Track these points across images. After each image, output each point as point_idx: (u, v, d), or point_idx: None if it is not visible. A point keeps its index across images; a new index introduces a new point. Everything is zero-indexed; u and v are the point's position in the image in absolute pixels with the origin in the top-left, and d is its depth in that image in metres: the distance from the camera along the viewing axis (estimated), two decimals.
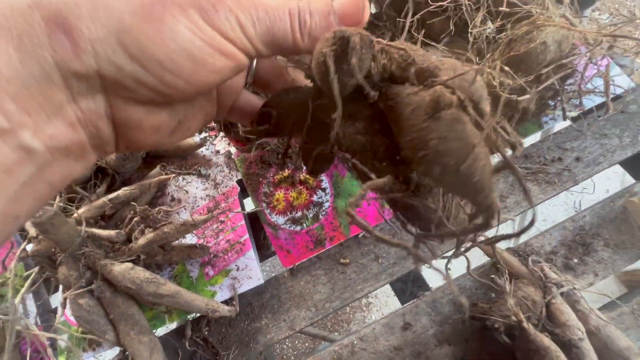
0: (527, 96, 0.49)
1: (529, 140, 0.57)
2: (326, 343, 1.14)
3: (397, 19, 0.63)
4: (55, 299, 0.57)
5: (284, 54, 0.21)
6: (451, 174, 0.17)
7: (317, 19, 0.19)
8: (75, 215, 0.48)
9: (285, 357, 1.52)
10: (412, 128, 0.18)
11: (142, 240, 0.48)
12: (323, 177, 0.55)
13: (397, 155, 0.21)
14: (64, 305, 0.46)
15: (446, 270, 0.23)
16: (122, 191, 0.53)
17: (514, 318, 0.39)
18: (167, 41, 0.16)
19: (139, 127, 0.20)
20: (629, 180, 0.56)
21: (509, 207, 0.53)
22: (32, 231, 0.46)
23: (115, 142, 0.20)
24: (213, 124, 0.64)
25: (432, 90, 0.18)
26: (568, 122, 0.56)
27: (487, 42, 0.55)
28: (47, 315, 0.54)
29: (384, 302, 1.61)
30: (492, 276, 0.46)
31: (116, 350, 0.48)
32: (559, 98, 0.52)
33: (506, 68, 0.48)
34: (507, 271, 0.45)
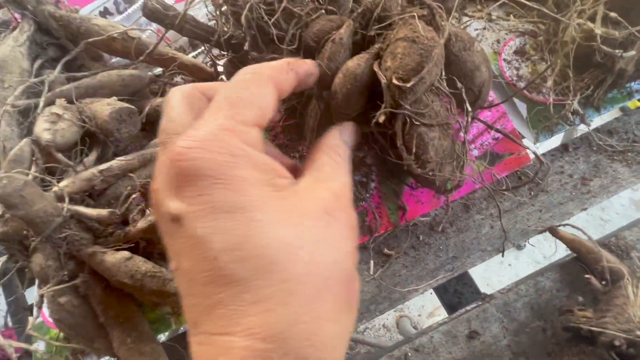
0: (632, 53, 0.40)
1: (612, 114, 0.47)
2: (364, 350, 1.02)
3: None
4: (32, 294, 0.47)
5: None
6: None
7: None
8: (55, 189, 0.37)
9: None
10: None
11: (142, 223, 0.37)
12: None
13: None
14: (39, 305, 0.36)
15: None
16: (116, 161, 0.42)
17: (639, 333, 0.30)
18: None
19: None
20: None
21: (593, 191, 0.44)
22: None
23: None
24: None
25: None
26: None
27: None
28: (22, 314, 0.44)
29: None
30: (587, 276, 0.37)
31: None
32: None
33: (612, 14, 0.38)
34: (608, 269, 0.35)
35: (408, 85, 0.30)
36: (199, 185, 0.15)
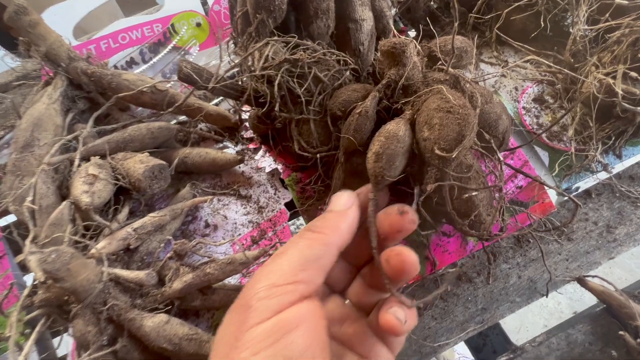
0: None
1: (633, 159, 0.48)
2: None
3: (470, 15, 0.55)
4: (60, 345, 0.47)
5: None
6: None
7: None
8: (93, 251, 0.38)
9: None
10: None
11: (178, 284, 0.38)
12: None
13: None
14: None
15: None
16: (150, 218, 0.43)
17: None
18: None
19: None
20: None
21: (619, 239, 0.44)
22: (39, 274, 0.36)
23: None
24: (252, 135, 0.55)
25: None
26: None
27: (588, 42, 0.46)
28: None
29: None
30: (622, 333, 0.37)
31: None
32: None
33: (633, 74, 0.39)
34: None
35: (453, 155, 0.30)
36: None
